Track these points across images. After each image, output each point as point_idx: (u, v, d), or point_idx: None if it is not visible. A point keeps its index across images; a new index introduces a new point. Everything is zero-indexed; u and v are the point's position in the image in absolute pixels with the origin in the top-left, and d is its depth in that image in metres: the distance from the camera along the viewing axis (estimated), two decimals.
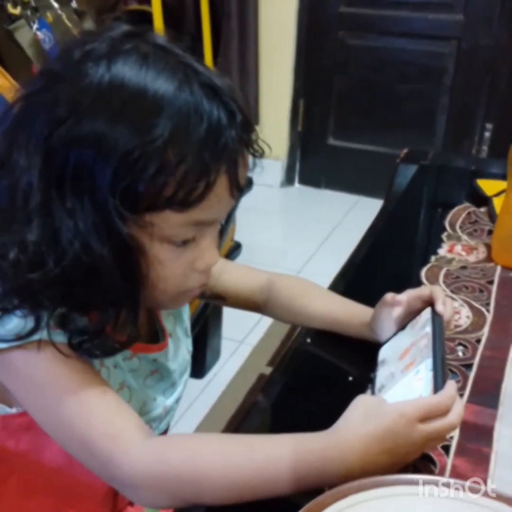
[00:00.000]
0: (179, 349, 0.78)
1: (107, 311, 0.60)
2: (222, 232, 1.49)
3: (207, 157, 0.57)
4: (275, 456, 0.58)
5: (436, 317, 0.76)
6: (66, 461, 0.68)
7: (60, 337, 0.59)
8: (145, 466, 0.58)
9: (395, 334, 0.80)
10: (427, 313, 0.78)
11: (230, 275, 0.89)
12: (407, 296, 0.79)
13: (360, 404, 0.61)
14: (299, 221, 3.02)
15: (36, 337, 0.58)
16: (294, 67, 3.10)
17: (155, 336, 0.75)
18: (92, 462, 0.60)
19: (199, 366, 1.84)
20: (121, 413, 0.61)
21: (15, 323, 0.58)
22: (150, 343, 0.73)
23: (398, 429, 0.57)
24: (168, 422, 0.78)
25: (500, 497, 0.54)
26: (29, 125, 0.58)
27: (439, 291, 0.78)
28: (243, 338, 2.10)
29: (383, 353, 0.79)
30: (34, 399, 0.61)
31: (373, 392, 0.73)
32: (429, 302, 0.79)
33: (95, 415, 0.59)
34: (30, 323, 0.58)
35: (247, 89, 3.03)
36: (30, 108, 0.59)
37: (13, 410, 0.65)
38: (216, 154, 0.58)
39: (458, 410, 0.60)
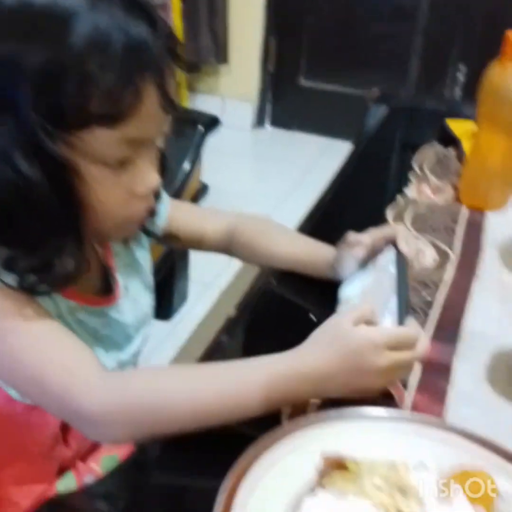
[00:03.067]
0: (137, 303, 0.77)
1: (50, 242, 0.59)
2: (188, 172, 1.46)
3: (131, 66, 0.56)
4: (242, 377, 0.58)
5: (400, 257, 0.76)
6: (8, 410, 0.66)
7: (7, 278, 0.58)
8: (106, 396, 0.57)
9: (356, 273, 0.80)
10: (390, 252, 0.78)
11: (186, 215, 0.87)
12: (369, 236, 0.78)
13: (331, 326, 0.62)
14: (270, 164, 2.98)
15: None
16: (265, 4, 3.01)
17: (109, 290, 0.73)
18: (48, 399, 0.59)
19: (166, 308, 1.83)
20: (78, 349, 0.60)
21: None
22: (99, 293, 0.72)
23: (365, 352, 0.58)
24: None
25: (454, 430, 0.55)
26: None
27: (401, 231, 0.79)
28: (211, 280, 2.10)
29: (345, 291, 0.78)
30: None
31: None
32: (392, 241, 0.78)
33: (50, 351, 0.58)
34: None
35: (215, 27, 2.94)
36: None
37: None
38: (140, 63, 0.56)
39: (424, 341, 0.62)
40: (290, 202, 2.63)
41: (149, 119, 0.59)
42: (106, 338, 0.71)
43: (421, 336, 0.62)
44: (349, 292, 0.78)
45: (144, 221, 0.69)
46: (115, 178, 0.60)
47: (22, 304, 0.59)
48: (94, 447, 0.80)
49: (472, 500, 0.47)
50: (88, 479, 0.76)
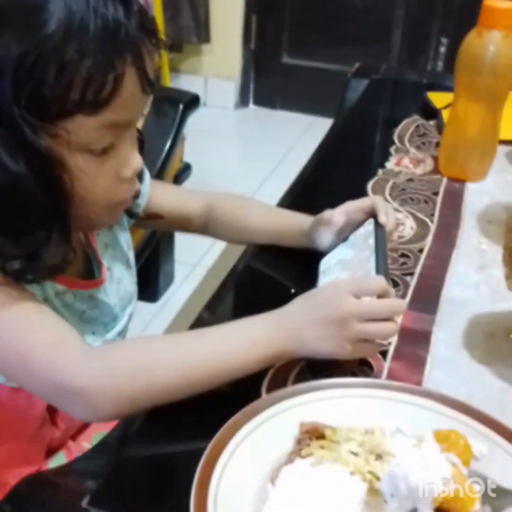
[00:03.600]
0: (120, 282, 0.76)
1: (36, 233, 0.58)
2: (170, 152, 1.45)
3: (109, 49, 0.54)
4: (216, 341, 0.60)
5: (379, 228, 0.76)
6: None
7: None
8: (92, 370, 0.57)
9: (336, 245, 0.80)
10: (369, 224, 0.78)
11: (166, 194, 0.87)
12: (344, 211, 0.79)
13: (300, 295, 0.64)
14: (253, 143, 2.96)
15: None
16: None
17: (92, 272, 0.73)
18: (34, 381, 0.58)
19: (152, 289, 1.83)
20: (61, 329, 0.60)
21: None
22: (87, 279, 0.71)
23: (330, 298, 0.61)
24: None
25: (430, 395, 0.55)
26: None
27: (380, 202, 0.79)
28: (197, 261, 2.10)
29: (325, 264, 0.79)
30: None
31: None
32: (371, 214, 0.78)
33: (34, 332, 0.58)
34: None
35: (196, 6, 2.90)
36: None
37: None
38: (118, 46, 0.55)
39: (392, 293, 0.63)
40: (274, 181, 2.62)
41: (131, 102, 0.58)
42: (93, 319, 0.71)
43: (395, 301, 0.64)
44: (329, 264, 0.78)
45: (130, 203, 0.69)
46: (100, 165, 0.60)
47: (6, 287, 0.58)
48: (84, 426, 0.80)
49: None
50: None
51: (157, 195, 0.85)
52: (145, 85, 0.59)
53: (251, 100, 3.27)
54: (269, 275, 0.89)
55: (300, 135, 2.96)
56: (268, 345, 0.60)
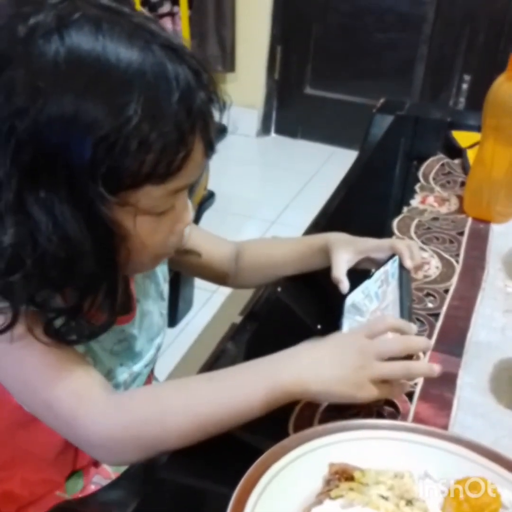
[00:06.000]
0: (150, 315, 0.77)
1: (82, 294, 0.58)
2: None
3: (183, 126, 0.55)
4: (227, 383, 0.60)
5: (403, 270, 0.77)
6: (22, 419, 0.67)
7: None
8: (110, 418, 0.58)
9: (362, 283, 0.81)
10: (394, 261, 0.79)
11: (200, 235, 0.87)
12: (360, 250, 0.82)
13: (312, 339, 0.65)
14: (274, 171, 2.99)
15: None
16: (272, 12, 3.02)
17: (124, 305, 0.73)
18: (57, 422, 0.60)
19: (171, 314, 1.84)
20: (85, 375, 0.60)
21: None
22: (120, 314, 0.71)
23: (344, 338, 0.63)
24: (137, 387, 0.76)
25: (459, 441, 0.55)
26: None
27: (401, 246, 0.80)
28: (216, 287, 2.10)
29: (351, 300, 0.79)
30: None
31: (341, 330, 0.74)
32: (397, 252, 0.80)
33: (57, 382, 0.59)
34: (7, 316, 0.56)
35: (223, 34, 2.95)
36: None
37: None
38: (191, 121, 0.56)
39: (413, 331, 0.64)
40: (294, 209, 2.64)
41: (195, 169, 0.59)
42: (121, 352, 0.72)
43: (417, 339, 0.64)
44: (355, 300, 0.79)
45: (174, 251, 0.69)
46: (156, 225, 0.60)
47: (30, 329, 0.58)
48: None
49: (472, 502, 0.48)
50: (97, 479, 0.77)
51: (192, 234, 0.84)
52: (209, 151, 0.60)
53: (272, 129, 3.30)
54: (295, 307, 0.90)
55: (321, 165, 2.98)
56: (281, 386, 0.58)
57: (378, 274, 0.80)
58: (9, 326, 0.56)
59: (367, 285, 0.80)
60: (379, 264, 0.82)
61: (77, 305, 0.58)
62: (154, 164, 0.55)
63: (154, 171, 0.55)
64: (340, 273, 0.80)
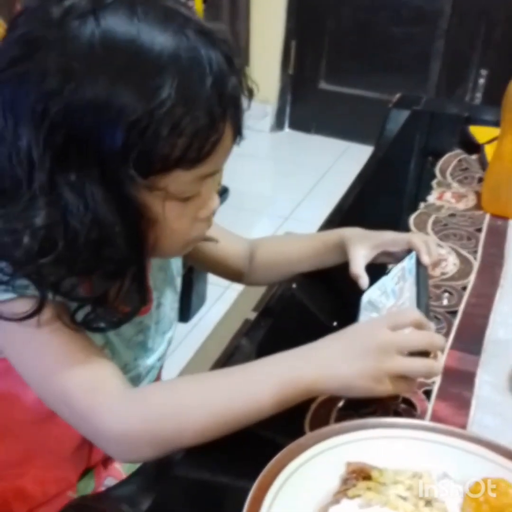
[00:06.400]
0: (164, 308, 0.77)
1: (111, 280, 0.58)
2: None
3: (215, 111, 0.55)
4: (244, 380, 0.59)
5: (420, 266, 0.76)
6: (39, 414, 0.67)
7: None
8: (126, 413, 0.57)
9: (378, 279, 0.80)
10: (411, 258, 0.78)
11: (215, 228, 0.87)
12: (378, 244, 0.82)
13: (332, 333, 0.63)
14: (288, 166, 2.98)
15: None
16: (287, 7, 3.01)
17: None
18: (73, 415, 0.59)
19: (185, 310, 1.84)
20: (103, 369, 0.60)
21: (21, 302, 0.56)
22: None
23: (366, 331, 0.61)
24: (150, 381, 0.77)
25: (479, 440, 0.55)
26: (16, 101, 0.53)
27: (419, 241, 0.79)
28: (229, 283, 2.10)
29: (367, 297, 0.78)
30: (17, 350, 0.60)
31: None
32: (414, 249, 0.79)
33: (77, 371, 0.58)
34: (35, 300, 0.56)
35: (237, 29, 2.94)
36: (12, 82, 0.53)
37: None
38: (223, 106, 0.56)
39: (431, 328, 0.62)
40: (308, 204, 2.63)
41: (224, 155, 0.59)
42: (136, 345, 0.72)
43: (429, 327, 0.62)
44: (371, 297, 0.78)
45: (203, 238, 0.69)
46: (182, 210, 0.60)
47: (59, 323, 0.58)
48: None
49: (492, 502, 0.47)
50: (108, 481, 0.77)
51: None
52: (237, 136, 0.60)
53: (286, 124, 3.29)
54: (310, 303, 0.89)
55: (335, 160, 2.97)
56: (299, 383, 0.58)
57: (395, 271, 0.79)
58: (37, 311, 0.56)
59: (384, 282, 0.79)
60: (397, 258, 0.81)
61: (104, 292, 0.58)
62: (185, 149, 0.54)
63: (184, 156, 0.55)
64: (359, 269, 0.79)
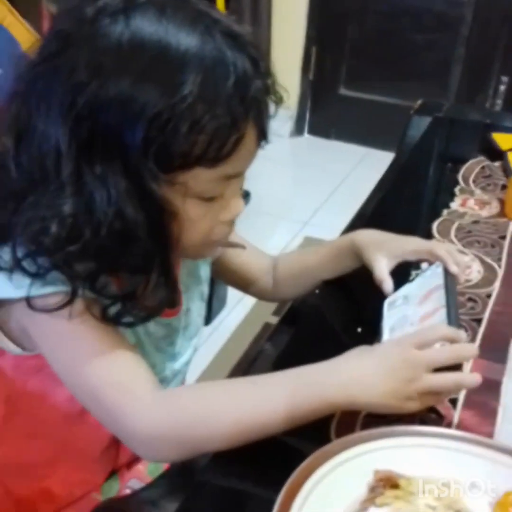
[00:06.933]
0: (191, 313, 0.77)
1: (138, 276, 0.59)
2: None
3: (236, 110, 0.56)
4: (272, 389, 0.59)
5: (448, 276, 0.75)
6: (70, 413, 0.68)
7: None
8: (155, 414, 0.58)
9: (401, 286, 0.79)
10: (437, 267, 0.77)
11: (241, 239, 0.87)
12: (402, 252, 0.80)
13: (359, 347, 0.62)
14: (307, 171, 2.97)
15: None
16: (308, 13, 3.01)
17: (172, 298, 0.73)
18: (102, 412, 0.60)
19: (206, 313, 1.85)
20: (135, 366, 0.61)
21: (55, 297, 0.57)
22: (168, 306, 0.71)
23: (392, 350, 0.59)
24: (176, 386, 0.77)
25: (506, 450, 0.54)
26: (48, 93, 0.55)
27: (442, 252, 0.77)
28: None
29: (391, 304, 0.78)
30: (51, 344, 0.61)
31: (381, 333, 0.73)
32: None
33: (109, 366, 0.59)
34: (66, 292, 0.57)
35: (259, 35, 2.94)
36: (46, 74, 0.56)
37: (27, 352, 0.65)
38: (245, 107, 0.56)
39: (463, 338, 0.61)
40: (328, 210, 2.63)
41: (247, 156, 0.60)
42: (165, 348, 0.72)
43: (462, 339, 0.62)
44: (396, 300, 0.77)
45: (225, 241, 0.70)
46: (205, 209, 0.61)
47: (92, 319, 0.59)
48: None
49: None
50: (132, 482, 0.78)
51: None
52: (261, 140, 0.60)
53: (306, 129, 3.29)
54: (333, 309, 0.89)
55: (354, 166, 2.96)
56: (327, 398, 0.57)
57: (421, 279, 0.79)
58: (69, 301, 0.57)
59: (409, 290, 0.78)
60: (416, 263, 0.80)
61: (132, 289, 0.59)
62: (205, 146, 0.55)
63: (205, 154, 0.56)
64: (383, 273, 0.78)
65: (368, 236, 0.82)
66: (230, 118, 0.55)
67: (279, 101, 0.62)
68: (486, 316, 0.81)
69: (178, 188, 0.58)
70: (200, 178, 0.58)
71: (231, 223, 0.66)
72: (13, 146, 0.57)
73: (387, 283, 0.78)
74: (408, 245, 0.80)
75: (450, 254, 0.77)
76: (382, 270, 0.79)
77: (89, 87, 0.54)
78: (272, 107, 0.62)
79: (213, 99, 0.55)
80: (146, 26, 0.54)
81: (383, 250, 0.80)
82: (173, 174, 0.57)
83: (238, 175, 0.62)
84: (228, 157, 0.57)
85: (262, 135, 0.60)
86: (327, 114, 3.22)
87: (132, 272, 0.59)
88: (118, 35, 0.54)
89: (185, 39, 0.55)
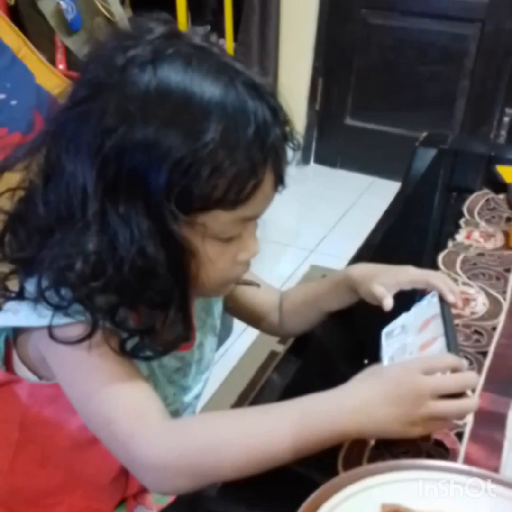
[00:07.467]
0: (203, 347, 0.79)
1: (157, 311, 0.61)
2: None
3: (255, 157, 0.58)
4: (282, 418, 0.59)
5: (444, 304, 0.75)
6: (81, 441, 0.69)
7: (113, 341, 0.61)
8: (165, 443, 0.58)
9: (398, 316, 0.80)
10: (433, 296, 0.77)
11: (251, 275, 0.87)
12: (399, 282, 0.79)
13: (365, 370, 0.63)
14: (314, 200, 3.00)
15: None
16: (315, 45, 3.06)
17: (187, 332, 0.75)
18: (113, 440, 0.61)
19: None
20: (147, 397, 0.62)
21: (75, 327, 0.59)
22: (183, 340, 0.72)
23: (400, 377, 0.59)
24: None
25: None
26: (78, 135, 0.58)
27: (438, 282, 0.77)
28: None
29: (388, 334, 0.78)
30: (67, 373, 0.62)
31: (381, 363, 0.73)
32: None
33: (122, 396, 0.60)
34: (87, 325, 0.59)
35: (266, 65, 2.99)
36: (77, 118, 0.59)
37: (43, 381, 0.66)
38: (264, 153, 0.59)
39: (465, 366, 0.62)
40: (333, 238, 2.64)
41: (264, 200, 0.62)
42: (177, 381, 0.73)
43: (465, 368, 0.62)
44: (393, 329, 0.78)
45: (240, 279, 0.72)
46: (222, 250, 0.63)
47: (106, 349, 0.61)
48: None
49: None
50: (139, 509, 0.78)
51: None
52: (278, 185, 0.63)
53: (312, 158, 3.32)
54: (339, 341, 0.90)
55: (359, 195, 2.99)
56: (335, 425, 0.58)
57: (418, 309, 0.79)
58: (90, 335, 0.59)
59: (405, 319, 0.78)
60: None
61: (151, 323, 0.61)
62: (225, 190, 0.58)
63: (224, 197, 0.58)
64: (383, 291, 0.77)
65: (361, 270, 0.81)
66: (250, 164, 0.58)
67: (296, 148, 0.65)
68: (491, 349, 0.81)
69: (197, 228, 0.60)
70: (219, 220, 0.60)
71: (247, 263, 0.68)
72: (42, 184, 0.60)
73: (388, 301, 0.77)
74: (403, 275, 0.79)
75: (445, 283, 0.77)
76: (383, 290, 0.78)
77: (117, 132, 0.56)
78: (289, 153, 0.65)
79: (234, 146, 0.57)
80: (173, 75, 0.57)
81: (378, 282, 0.79)
82: (194, 215, 0.59)
83: (256, 218, 0.64)
84: (246, 200, 0.59)
85: (279, 181, 0.63)
86: (333, 144, 3.26)
87: (152, 307, 0.61)
88: (146, 83, 0.57)
89: (209, 89, 0.57)
